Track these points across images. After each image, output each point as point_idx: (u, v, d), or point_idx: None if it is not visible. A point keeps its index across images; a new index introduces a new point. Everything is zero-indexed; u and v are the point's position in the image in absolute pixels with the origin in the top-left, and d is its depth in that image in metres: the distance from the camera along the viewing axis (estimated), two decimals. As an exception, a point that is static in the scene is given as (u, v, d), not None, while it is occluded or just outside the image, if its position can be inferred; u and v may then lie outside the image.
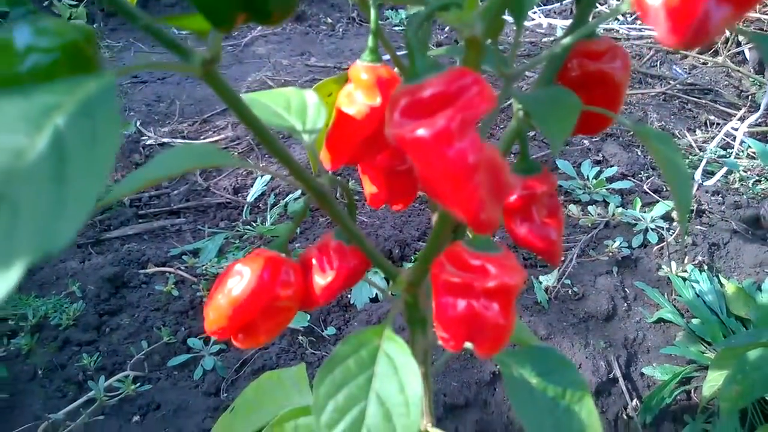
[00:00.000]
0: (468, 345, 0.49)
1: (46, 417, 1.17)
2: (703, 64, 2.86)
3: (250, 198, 1.90)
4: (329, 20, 3.38)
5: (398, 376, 0.46)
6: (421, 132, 0.34)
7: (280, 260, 0.52)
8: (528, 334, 0.78)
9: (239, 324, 0.51)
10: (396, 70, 0.61)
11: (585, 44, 0.52)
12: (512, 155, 1.81)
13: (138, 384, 1.25)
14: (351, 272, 0.54)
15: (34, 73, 0.36)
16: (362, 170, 0.66)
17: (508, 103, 2.24)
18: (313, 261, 0.55)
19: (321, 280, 0.53)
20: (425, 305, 0.59)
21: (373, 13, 0.53)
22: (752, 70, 2.74)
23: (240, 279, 0.50)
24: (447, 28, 3.15)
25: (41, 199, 0.26)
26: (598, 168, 1.97)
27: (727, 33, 2.77)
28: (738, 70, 2.57)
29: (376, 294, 1.50)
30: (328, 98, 0.68)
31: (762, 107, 1.94)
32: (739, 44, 2.79)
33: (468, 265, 0.46)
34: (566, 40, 0.46)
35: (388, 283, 1.58)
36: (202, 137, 2.20)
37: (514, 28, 0.47)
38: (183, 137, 2.19)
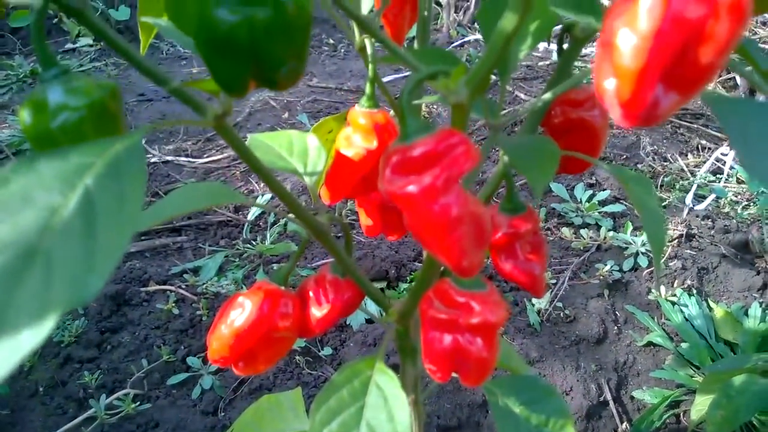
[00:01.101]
0: (455, 375, 0.52)
1: (46, 433, 1.19)
2: (742, 57, 2.91)
3: (250, 216, 1.94)
4: (331, 41, 3.45)
5: (388, 406, 0.49)
6: (410, 188, 0.38)
7: (280, 293, 0.55)
8: (517, 360, 0.81)
9: (240, 353, 0.54)
10: (392, 113, 0.65)
11: (567, 93, 0.56)
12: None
13: (138, 402, 1.27)
14: (346, 304, 0.58)
15: (64, 129, 0.40)
16: (358, 204, 0.70)
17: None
18: (310, 293, 0.58)
19: (317, 312, 0.57)
20: (416, 335, 0.62)
21: (370, 66, 0.57)
22: (743, 95, 2.80)
23: (242, 311, 0.54)
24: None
25: (73, 254, 0.29)
26: (591, 191, 2.01)
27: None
28: (751, 61, 2.62)
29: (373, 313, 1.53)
30: (328, 135, 0.72)
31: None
32: (728, 71, 2.85)
33: (454, 302, 0.50)
34: (546, 96, 0.50)
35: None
36: (205, 155, 2.24)
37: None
38: (187, 155, 2.23)
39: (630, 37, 0.28)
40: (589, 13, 0.45)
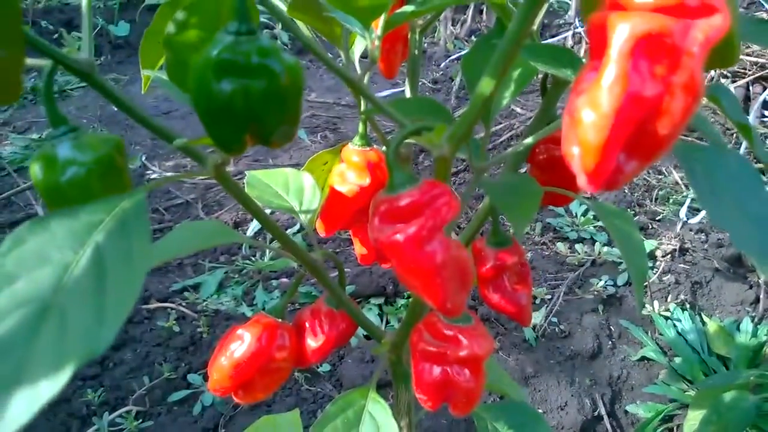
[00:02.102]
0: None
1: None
2: (714, 104, 2.95)
3: (249, 233, 1.96)
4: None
5: (380, 434, 0.52)
6: (397, 237, 0.41)
7: (276, 325, 0.58)
8: (508, 383, 0.83)
9: (239, 383, 0.57)
10: (384, 149, 0.68)
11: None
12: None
13: (140, 420, 1.30)
14: (340, 335, 0.60)
15: (72, 183, 0.42)
16: (353, 234, 0.72)
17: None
18: (306, 324, 0.61)
19: (313, 343, 0.59)
20: (408, 362, 0.65)
21: (363, 103, 0.60)
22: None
23: (241, 343, 0.56)
24: (442, 65, 3.25)
25: (85, 309, 0.32)
26: (586, 206, 2.04)
27: (712, 73, 2.87)
28: (722, 110, 2.66)
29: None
30: (323, 166, 0.75)
31: (743, 148, 2.02)
32: (717, 80, 2.89)
33: (442, 335, 0.52)
34: (528, 140, 0.53)
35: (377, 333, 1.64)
36: (190, 179, 2.27)
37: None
38: (186, 171, 2.26)
39: (592, 114, 0.31)
40: (567, 67, 0.48)
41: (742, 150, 1.95)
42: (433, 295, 0.42)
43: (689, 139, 2.50)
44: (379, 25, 0.47)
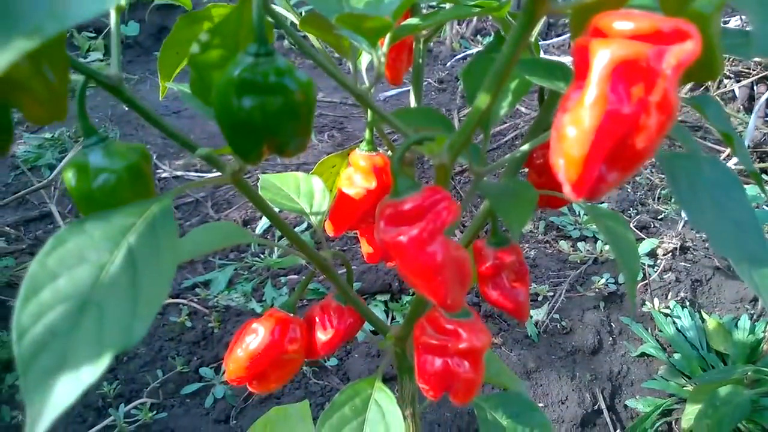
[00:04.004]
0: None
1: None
2: (699, 113, 2.96)
3: (258, 230, 2.01)
4: (336, 55, 3.52)
5: (385, 421, 0.55)
6: (400, 238, 0.44)
7: (289, 319, 0.62)
8: (508, 375, 0.87)
9: (254, 373, 0.61)
10: (390, 154, 0.71)
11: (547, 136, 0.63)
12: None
13: (154, 411, 1.34)
14: (348, 330, 0.64)
15: (103, 189, 0.46)
16: (360, 234, 0.76)
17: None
18: (316, 319, 0.65)
19: (322, 336, 0.63)
20: (412, 354, 0.69)
21: (369, 113, 0.64)
22: (741, 107, 2.85)
23: (255, 336, 0.60)
24: (448, 64, 3.28)
25: (120, 304, 0.35)
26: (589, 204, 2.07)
27: (716, 72, 2.88)
28: (724, 109, 2.68)
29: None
30: (332, 169, 0.79)
31: (746, 141, 2.04)
32: (722, 80, 2.90)
33: (444, 329, 0.56)
34: (525, 147, 0.56)
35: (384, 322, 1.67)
36: (214, 170, 2.31)
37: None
38: (196, 170, 2.31)
39: (575, 130, 0.35)
40: (560, 80, 0.52)
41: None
42: (435, 292, 0.45)
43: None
44: (384, 42, 0.51)
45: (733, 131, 0.50)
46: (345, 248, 1.90)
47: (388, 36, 0.52)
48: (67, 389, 0.32)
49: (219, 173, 0.49)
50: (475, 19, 3.65)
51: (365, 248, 0.76)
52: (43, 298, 0.35)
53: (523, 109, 2.71)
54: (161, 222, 0.40)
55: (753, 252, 0.41)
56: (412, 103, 0.75)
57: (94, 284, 0.36)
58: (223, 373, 1.45)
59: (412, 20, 0.56)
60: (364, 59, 0.66)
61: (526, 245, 1.94)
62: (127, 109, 2.94)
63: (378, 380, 0.59)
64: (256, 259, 1.86)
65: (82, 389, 0.32)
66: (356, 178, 0.66)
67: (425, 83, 3.03)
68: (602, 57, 0.33)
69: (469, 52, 3.41)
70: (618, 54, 0.32)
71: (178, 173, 2.27)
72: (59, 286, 0.36)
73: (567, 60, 0.57)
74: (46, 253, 0.37)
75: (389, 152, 0.72)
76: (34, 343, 0.33)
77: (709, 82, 2.93)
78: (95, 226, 0.39)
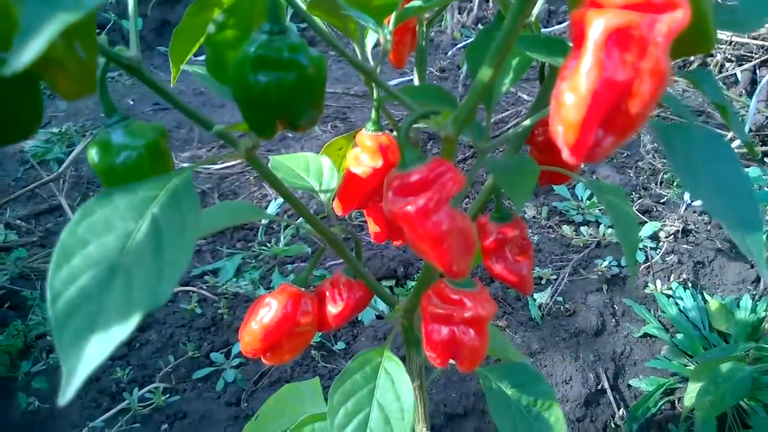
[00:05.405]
0: (452, 361, 0.61)
1: (85, 425, 1.30)
2: (695, 87, 2.97)
3: (264, 220, 2.03)
4: (343, 41, 3.53)
5: (395, 387, 0.58)
6: (408, 208, 0.47)
7: (301, 293, 0.64)
8: (512, 350, 0.89)
9: (268, 345, 0.63)
10: (395, 134, 0.73)
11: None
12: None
13: (167, 395, 1.38)
14: (357, 303, 0.67)
15: (125, 165, 0.48)
16: (367, 213, 0.78)
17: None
18: (327, 293, 0.67)
19: (333, 309, 0.66)
20: (419, 328, 0.71)
21: (375, 93, 0.66)
22: (744, 91, 2.85)
23: (269, 309, 0.63)
24: (449, 53, 3.29)
25: (146, 268, 0.38)
26: (591, 190, 2.08)
27: (718, 57, 2.88)
28: (726, 94, 2.68)
29: (382, 311, 1.62)
30: (339, 151, 0.81)
31: (747, 125, 2.05)
32: (723, 64, 2.90)
33: (450, 299, 0.58)
34: (527, 122, 0.58)
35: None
36: (219, 162, 2.34)
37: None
38: (200, 160, 2.33)
39: (572, 97, 0.37)
40: (559, 56, 0.54)
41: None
42: (440, 259, 0.48)
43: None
44: (390, 20, 0.53)
45: (727, 102, 0.52)
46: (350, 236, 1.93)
47: (393, 16, 0.54)
48: (98, 347, 0.35)
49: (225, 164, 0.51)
50: (476, 7, 3.65)
51: (372, 227, 0.79)
52: (75, 264, 0.37)
53: (525, 96, 2.72)
54: (183, 193, 0.42)
55: (745, 217, 0.43)
56: (417, 85, 0.77)
57: (121, 250, 0.38)
58: (234, 357, 1.49)
59: (416, 2, 0.58)
60: (369, 41, 0.68)
61: (530, 230, 1.96)
62: (132, 102, 2.95)
63: (387, 349, 0.61)
64: (263, 247, 1.88)
65: (113, 347, 0.35)
66: (363, 157, 0.68)
67: (427, 72, 3.05)
68: (597, 26, 0.34)
69: (470, 41, 3.41)
70: (612, 23, 0.34)
71: (185, 165, 2.30)
72: (89, 252, 0.38)
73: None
74: (76, 222, 0.39)
75: (394, 133, 0.74)
76: (67, 305, 0.35)
77: (711, 68, 2.93)
78: (121, 197, 0.41)
